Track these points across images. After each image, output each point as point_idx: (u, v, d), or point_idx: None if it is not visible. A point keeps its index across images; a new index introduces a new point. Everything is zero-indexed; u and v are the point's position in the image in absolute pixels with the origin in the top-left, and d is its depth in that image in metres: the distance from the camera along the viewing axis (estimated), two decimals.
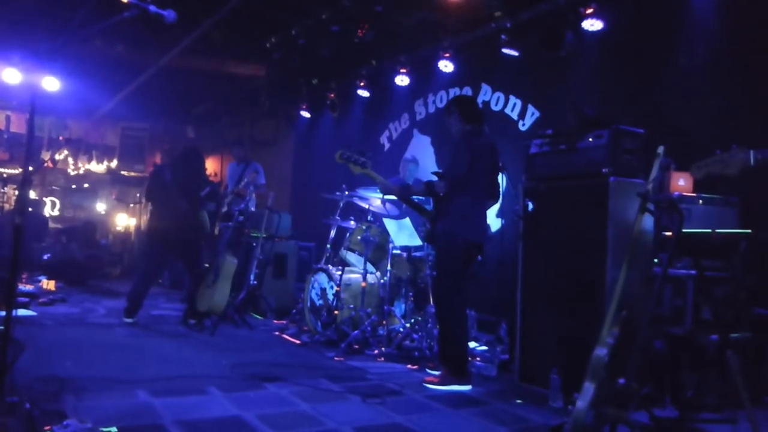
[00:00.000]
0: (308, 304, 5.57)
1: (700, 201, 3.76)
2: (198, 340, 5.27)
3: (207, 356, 4.59)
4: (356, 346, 4.95)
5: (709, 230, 3.54)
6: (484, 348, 5.09)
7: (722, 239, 3.59)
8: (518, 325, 4.21)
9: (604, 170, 3.63)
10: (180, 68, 9.03)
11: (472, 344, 5.07)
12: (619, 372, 3.05)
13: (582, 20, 5.02)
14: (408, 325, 5.12)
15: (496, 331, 5.00)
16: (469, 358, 4.53)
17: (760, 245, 3.61)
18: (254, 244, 6.56)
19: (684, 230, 3.54)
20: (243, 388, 3.71)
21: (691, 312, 3.64)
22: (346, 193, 5.59)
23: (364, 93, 7.87)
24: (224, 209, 6.87)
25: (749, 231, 3.62)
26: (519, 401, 3.79)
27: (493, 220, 5.94)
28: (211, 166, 12.34)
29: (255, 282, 6.41)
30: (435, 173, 4.24)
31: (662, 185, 3.69)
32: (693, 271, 3.57)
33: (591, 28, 5.03)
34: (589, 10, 4.94)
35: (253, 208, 7.44)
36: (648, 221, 3.45)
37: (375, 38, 6.76)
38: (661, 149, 2.71)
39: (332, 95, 8.52)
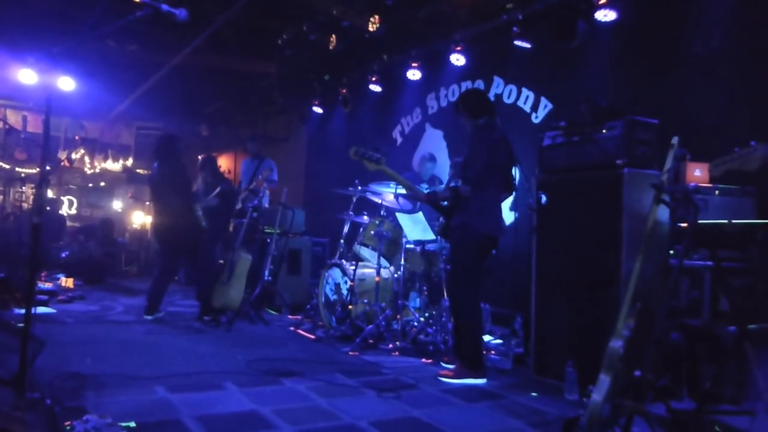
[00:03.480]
0: (323, 299, 5.60)
1: (717, 192, 3.72)
2: (214, 336, 5.32)
3: (223, 352, 4.63)
4: (371, 341, 4.97)
5: (726, 221, 3.49)
6: (499, 341, 5.08)
7: (739, 230, 3.54)
8: (533, 317, 4.19)
9: (618, 161, 3.60)
10: (193, 67, 9.08)
11: (487, 337, 5.06)
12: (636, 364, 3.04)
13: (595, 11, 4.96)
14: (422, 319, 5.13)
15: (511, 325, 5.00)
16: (484, 352, 4.54)
17: None
18: (268, 240, 6.59)
19: (700, 221, 3.52)
20: (259, 383, 3.74)
21: (708, 303, 3.61)
22: (359, 188, 5.60)
23: (376, 88, 7.86)
24: (238, 206, 6.92)
25: (767, 221, 3.57)
26: (534, 394, 3.79)
27: (507, 213, 5.90)
28: (225, 163, 12.42)
29: (270, 278, 6.44)
30: (454, 168, 4.22)
31: (678, 176, 3.65)
32: (710, 263, 3.53)
33: (604, 19, 4.97)
34: (602, 1, 4.88)
35: (267, 205, 7.49)
36: (663, 213, 3.42)
37: (386, 33, 6.74)
38: (675, 140, 2.69)
39: (344, 90, 8.52)
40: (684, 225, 3.45)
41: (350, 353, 4.72)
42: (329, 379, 3.90)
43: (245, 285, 5.93)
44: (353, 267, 5.32)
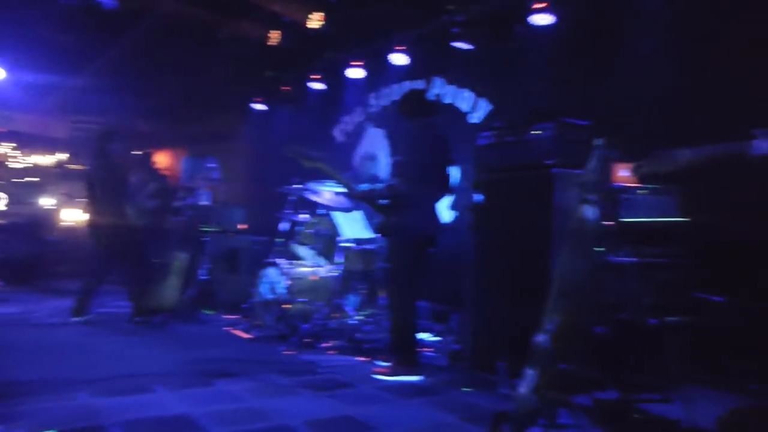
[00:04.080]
0: (260, 298, 5.52)
1: (643, 191, 3.86)
2: (146, 337, 5.16)
3: (155, 354, 4.49)
4: (308, 340, 4.93)
5: (650, 219, 3.64)
6: (437, 338, 5.14)
7: (662, 227, 3.71)
8: (469, 314, 4.26)
9: (549, 162, 3.70)
10: (131, 59, 8.79)
11: (424, 335, 5.11)
12: (564, 357, 3.13)
13: (532, 14, 5.07)
14: (360, 317, 5.13)
15: (449, 322, 5.06)
16: (420, 349, 4.58)
17: (697, 232, 3.74)
18: (206, 238, 6.45)
19: (626, 219, 3.66)
20: (191, 385, 3.65)
21: (633, 298, 3.75)
22: (298, 186, 5.55)
23: (318, 86, 7.82)
24: (176, 204, 6.75)
25: (687, 219, 3.74)
26: (469, 389, 3.84)
27: (446, 212, 5.99)
28: (166, 160, 12.08)
29: (206, 277, 6.31)
30: (393, 175, 4.25)
31: (606, 176, 3.77)
32: (635, 259, 3.67)
33: (541, 22, 5.09)
34: (540, 5, 5.00)
35: (207, 203, 7.33)
36: (592, 211, 3.53)
37: (329, 30, 6.72)
38: (599, 141, 2.78)
39: (287, 88, 8.43)
40: (610, 223, 3.59)
41: (286, 353, 4.67)
42: (264, 379, 3.84)
43: (181, 285, 5.79)
44: (290, 266, 5.26)
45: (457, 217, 5.91)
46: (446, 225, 5.89)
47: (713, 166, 2.04)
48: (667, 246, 3.84)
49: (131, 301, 5.83)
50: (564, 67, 5.15)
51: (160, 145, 12.02)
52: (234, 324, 5.72)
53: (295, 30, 6.96)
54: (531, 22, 5.11)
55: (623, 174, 3.83)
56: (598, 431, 3.10)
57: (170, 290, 5.67)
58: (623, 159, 2.87)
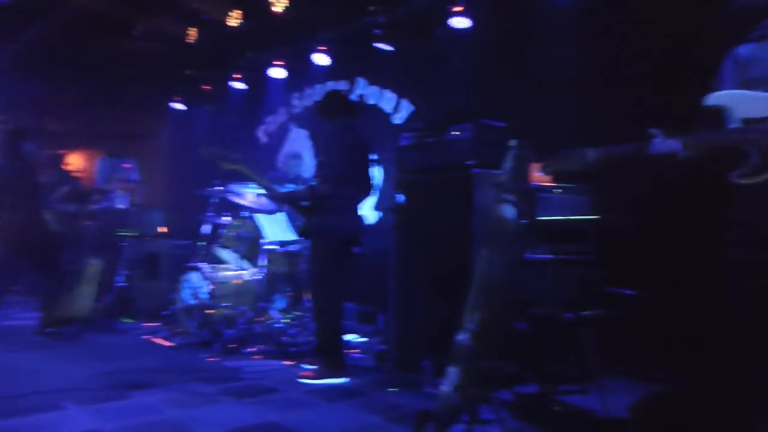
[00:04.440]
0: (181, 304, 5.34)
1: (558, 190, 4.01)
2: (57, 350, 4.86)
3: (65, 367, 4.24)
4: (232, 346, 4.81)
5: (564, 217, 3.79)
6: (363, 339, 5.14)
7: (575, 225, 3.86)
8: (393, 314, 4.28)
9: (468, 162, 3.78)
10: (41, 54, 8.28)
11: (351, 336, 5.10)
12: (485, 354, 3.20)
13: (451, 17, 5.16)
14: (286, 320, 5.06)
15: (375, 322, 5.08)
16: (346, 351, 4.57)
17: (606, 230, 3.92)
18: (123, 243, 6.18)
19: (542, 218, 3.79)
20: (104, 399, 3.47)
21: (551, 293, 3.89)
22: (220, 188, 5.41)
23: (239, 85, 7.65)
24: (90, 207, 6.42)
25: (598, 217, 3.92)
26: (394, 389, 3.85)
27: (370, 212, 6.00)
28: (79, 161, 11.47)
29: (124, 284, 6.04)
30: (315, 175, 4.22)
31: (522, 176, 3.89)
32: (551, 256, 3.81)
33: (460, 26, 5.18)
34: (458, 8, 5.09)
35: (123, 206, 7.02)
36: (510, 210, 3.63)
37: (249, 29, 6.58)
38: (513, 142, 2.86)
39: (207, 87, 8.21)
40: (527, 221, 3.71)
41: (209, 360, 4.54)
42: (184, 389, 3.71)
43: (95, 292, 5.51)
44: (213, 270, 5.13)
45: (381, 218, 5.94)
46: (370, 226, 5.94)
47: (616, 164, 2.14)
48: (581, 243, 4.01)
49: (41, 311, 5.50)
50: (482, 69, 5.27)
51: (73, 145, 11.41)
52: (154, 332, 5.51)
53: (214, 28, 6.77)
54: (450, 25, 5.19)
55: (540, 174, 3.96)
56: (519, 425, 3.18)
57: (83, 299, 5.39)
58: (537, 159, 2.96)
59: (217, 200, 5.51)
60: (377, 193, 5.03)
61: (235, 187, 5.43)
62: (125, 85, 9.03)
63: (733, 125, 1.94)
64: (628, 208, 4.05)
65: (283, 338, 4.98)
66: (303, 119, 7.23)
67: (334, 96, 4.45)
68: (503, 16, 5.11)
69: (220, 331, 4.91)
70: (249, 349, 4.80)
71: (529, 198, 3.36)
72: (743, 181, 1.93)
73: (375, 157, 4.34)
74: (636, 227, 4.01)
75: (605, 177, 3.63)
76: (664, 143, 1.98)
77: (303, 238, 4.82)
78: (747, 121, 1.91)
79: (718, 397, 2.13)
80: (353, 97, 6.46)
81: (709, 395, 3.13)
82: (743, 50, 1.96)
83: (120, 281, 5.99)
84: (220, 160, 4.17)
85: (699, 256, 2.58)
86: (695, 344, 3.58)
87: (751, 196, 1.95)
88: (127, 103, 9.82)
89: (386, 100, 6.23)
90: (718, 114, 2.00)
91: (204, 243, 5.57)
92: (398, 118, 6.09)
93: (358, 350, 4.82)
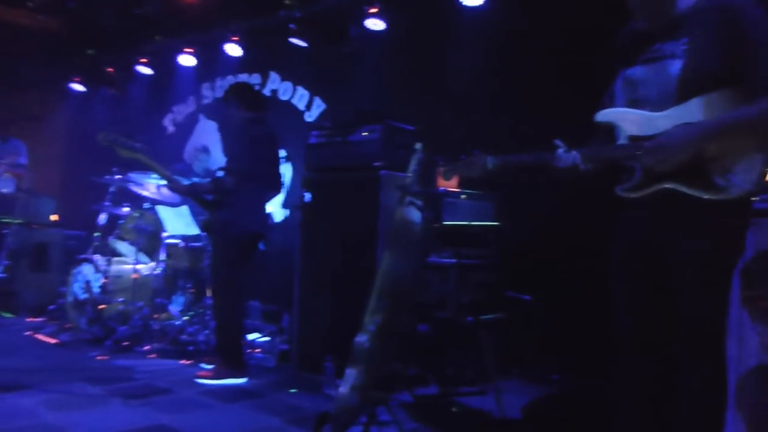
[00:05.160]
0: (71, 298, 5.03)
1: (463, 196, 4.11)
2: None
3: None
4: (125, 343, 4.59)
5: (466, 223, 3.88)
6: (266, 339, 5.04)
7: (477, 231, 3.97)
8: (296, 313, 4.23)
9: (375, 164, 3.79)
10: None
11: (254, 335, 4.99)
12: (387, 356, 3.21)
13: (366, 18, 5.16)
14: (185, 318, 4.88)
15: (280, 322, 4.99)
16: (248, 350, 4.47)
17: (507, 236, 4.07)
18: (5, 231, 5.73)
19: (447, 222, 3.87)
20: None
21: (453, 297, 3.98)
22: (119, 177, 5.13)
23: (145, 70, 7.29)
24: None
25: (498, 223, 4.05)
26: (294, 390, 3.80)
27: (278, 210, 5.91)
28: None
29: (5, 275, 5.60)
30: (221, 168, 4.09)
31: (429, 180, 3.95)
32: (454, 260, 3.89)
33: (374, 27, 5.19)
34: (373, 10, 5.10)
35: (8, 190, 6.52)
36: (414, 213, 3.68)
37: (159, 12, 6.29)
38: (418, 146, 2.89)
39: (111, 70, 7.76)
40: (432, 225, 3.78)
41: (99, 358, 4.30)
42: (66, 390, 3.48)
43: None
44: (108, 263, 4.86)
45: (288, 216, 5.85)
46: (277, 223, 5.85)
47: (520, 172, 2.20)
48: (483, 248, 4.13)
49: None
50: (394, 71, 5.32)
51: None
52: (38, 328, 5.14)
53: (120, 7, 6.41)
54: (365, 26, 5.19)
55: (441, 179, 4.05)
56: (416, 426, 3.22)
57: None
58: (443, 164, 3.01)
59: (115, 189, 5.23)
60: (285, 190, 4.93)
61: (136, 176, 5.17)
62: (19, 61, 8.38)
63: (621, 142, 2.05)
64: (526, 215, 4.21)
65: (182, 336, 4.79)
66: (213, 110, 7.00)
67: (242, 88, 4.34)
68: (416, 20, 5.16)
69: (113, 327, 4.67)
70: (144, 348, 4.60)
71: (435, 202, 3.42)
72: (626, 195, 2.04)
73: (284, 153, 4.27)
74: (534, 234, 4.18)
75: (506, 184, 3.78)
76: (568, 154, 2.05)
77: (206, 234, 4.66)
78: (633, 138, 2.02)
79: (605, 396, 2.24)
80: (265, 91, 6.33)
81: (598, 395, 3.31)
82: (633, 71, 2.07)
83: (0, 273, 5.55)
84: (119, 146, 3.95)
85: (591, 262, 2.71)
86: (587, 346, 3.76)
87: (632, 209, 2.08)
88: (20, 81, 9.11)
89: (299, 96, 6.15)
90: (610, 130, 2.11)
91: (99, 234, 5.27)
92: (310, 116, 6.03)
93: (259, 350, 4.72)
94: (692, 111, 1.90)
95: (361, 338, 2.78)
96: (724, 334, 2.02)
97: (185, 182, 4.22)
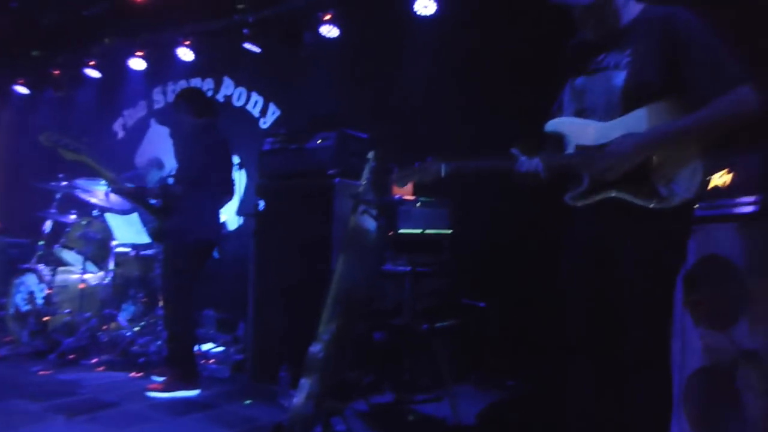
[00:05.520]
0: (12, 310, 4.83)
1: (418, 203, 4.13)
2: None
3: None
4: (71, 356, 4.42)
5: (420, 230, 3.90)
6: (220, 349, 4.94)
7: (431, 238, 3.99)
8: (251, 322, 4.16)
9: (330, 171, 3.78)
10: None
11: (208, 345, 4.89)
12: (342, 365, 3.19)
13: (321, 25, 5.13)
14: (136, 328, 4.74)
15: (235, 331, 4.90)
16: (201, 361, 4.37)
17: (461, 242, 4.10)
18: None
19: (402, 230, 3.88)
20: None
21: (409, 304, 3.98)
22: (65, 182, 4.96)
23: (94, 73, 7.08)
24: None
25: (450, 231, 4.08)
26: (249, 401, 3.74)
27: (233, 217, 5.82)
28: None
29: None
30: (170, 175, 4.00)
31: (384, 188, 3.95)
32: (408, 268, 3.90)
33: (328, 34, 5.17)
34: (327, 17, 5.08)
35: None
36: (368, 221, 3.67)
37: (108, 14, 6.12)
38: (371, 154, 2.89)
39: (57, 72, 7.50)
40: (388, 233, 3.78)
41: (42, 372, 4.13)
42: (3, 407, 3.32)
43: None
44: (52, 272, 4.69)
45: (243, 223, 5.77)
46: (231, 231, 5.77)
47: (475, 178, 2.22)
48: (438, 255, 4.15)
49: None
50: (348, 78, 5.31)
51: None
52: None
53: (67, 8, 6.21)
54: (320, 33, 5.17)
55: (395, 186, 4.06)
56: None
57: None
58: (397, 170, 3.01)
59: (61, 196, 5.05)
60: (239, 197, 4.87)
61: (83, 182, 5.01)
62: None
63: (569, 151, 2.09)
64: (479, 222, 4.25)
65: (132, 348, 4.66)
66: (164, 115, 6.85)
67: (192, 93, 4.28)
68: (370, 27, 5.18)
69: (58, 340, 4.50)
70: (91, 361, 4.45)
71: (390, 210, 3.42)
72: (574, 203, 2.08)
73: (237, 160, 4.21)
74: (488, 240, 4.22)
75: (459, 191, 3.82)
76: (530, 161, 2.07)
77: (156, 242, 4.54)
78: (580, 148, 2.06)
79: (559, 400, 2.27)
80: (219, 97, 6.24)
81: (552, 399, 3.36)
82: (579, 81, 2.12)
83: None
84: (62, 148, 3.82)
85: (544, 268, 2.74)
86: (541, 351, 3.81)
87: (580, 216, 2.12)
88: None
89: (253, 102, 6.08)
90: (559, 139, 2.14)
91: (43, 242, 5.08)
92: (264, 122, 5.97)
93: (213, 360, 4.62)
94: (636, 121, 1.96)
95: (316, 347, 2.75)
96: (669, 337, 2.08)
97: (130, 185, 4.08)
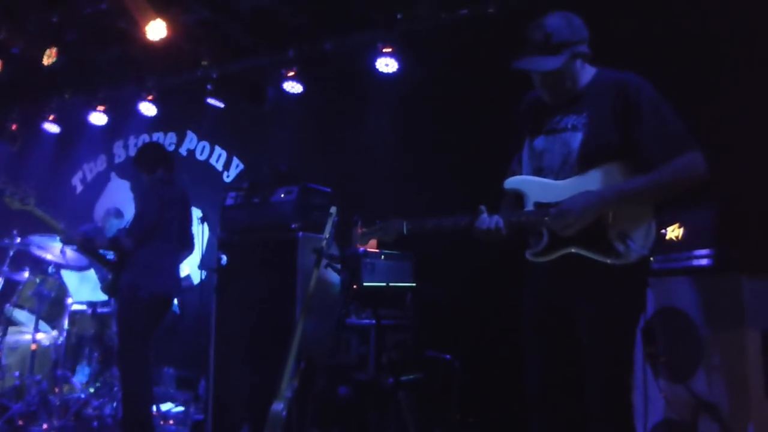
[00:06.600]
0: None
1: (382, 256, 4.13)
2: None
3: None
4: (20, 423, 4.20)
5: (384, 283, 3.90)
6: (180, 409, 4.77)
7: (395, 291, 3.99)
8: (211, 380, 4.05)
9: (293, 225, 3.78)
10: None
11: (167, 405, 4.72)
12: (304, 423, 3.11)
13: (283, 81, 5.21)
14: (91, 390, 4.54)
15: (195, 388, 4.75)
16: (160, 422, 4.22)
17: (424, 296, 4.11)
18: None
19: (366, 283, 3.87)
20: None
21: (374, 358, 3.94)
22: (18, 240, 4.81)
23: (52, 127, 6.98)
24: None
25: (414, 284, 4.09)
26: None
27: (194, 271, 5.72)
28: None
29: None
30: (122, 228, 3.93)
31: (348, 241, 3.96)
32: (373, 321, 3.87)
33: (292, 90, 5.24)
34: (290, 73, 5.16)
35: None
36: (333, 275, 3.66)
37: (67, 68, 6.08)
38: (333, 209, 2.91)
39: (13, 126, 7.37)
40: (352, 287, 3.76)
41: None
42: None
43: None
44: (2, 333, 4.49)
45: (205, 278, 5.67)
46: (194, 285, 5.65)
47: (439, 235, 2.24)
48: (402, 308, 4.15)
49: None
50: (311, 133, 5.38)
51: None
52: None
53: (24, 62, 6.16)
54: (283, 88, 5.24)
55: (358, 242, 4.07)
56: None
57: None
58: (361, 226, 3.03)
59: (14, 252, 4.89)
60: (201, 251, 4.79)
61: (38, 239, 4.86)
62: None
63: (528, 208, 2.15)
64: (443, 276, 4.28)
65: (86, 410, 4.45)
66: (125, 169, 6.77)
67: (150, 148, 4.28)
68: (333, 83, 5.28)
69: (6, 405, 4.27)
70: (42, 427, 4.22)
71: (353, 263, 3.42)
72: (535, 260, 2.13)
73: (199, 213, 4.17)
74: (451, 294, 4.24)
75: (423, 244, 3.84)
76: (491, 218, 2.10)
77: (109, 296, 4.40)
78: (538, 205, 2.12)
79: None
80: (182, 150, 6.23)
81: None
82: (538, 141, 2.19)
83: None
84: (8, 197, 3.72)
85: (507, 321, 2.76)
86: (507, 404, 3.79)
87: (540, 271, 2.16)
88: None
89: (216, 156, 6.09)
90: (518, 196, 2.20)
91: None
92: (228, 176, 5.96)
93: (172, 421, 4.45)
94: (591, 181, 2.03)
95: (278, 406, 2.69)
96: (630, 389, 2.11)
97: (78, 234, 3.95)
